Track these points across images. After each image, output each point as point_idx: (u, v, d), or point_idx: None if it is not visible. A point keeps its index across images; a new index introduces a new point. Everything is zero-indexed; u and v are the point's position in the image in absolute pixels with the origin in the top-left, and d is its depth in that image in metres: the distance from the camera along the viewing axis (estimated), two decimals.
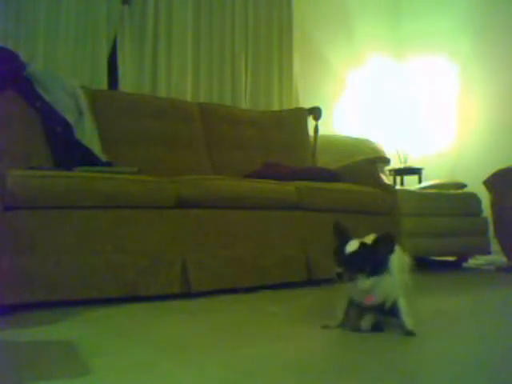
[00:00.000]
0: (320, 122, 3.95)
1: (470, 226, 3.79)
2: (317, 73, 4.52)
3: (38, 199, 2.10)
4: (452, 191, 3.90)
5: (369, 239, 1.61)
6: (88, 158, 2.67)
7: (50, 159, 2.58)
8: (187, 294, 2.34)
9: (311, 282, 2.76)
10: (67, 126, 2.69)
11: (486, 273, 3.71)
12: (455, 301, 2.43)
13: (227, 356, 1.41)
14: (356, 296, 1.66)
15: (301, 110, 4.01)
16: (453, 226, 3.71)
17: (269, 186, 2.77)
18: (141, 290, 2.25)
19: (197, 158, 3.36)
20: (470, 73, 4.59)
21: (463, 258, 3.98)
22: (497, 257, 3.82)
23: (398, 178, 4.72)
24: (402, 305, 1.64)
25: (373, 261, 1.58)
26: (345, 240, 1.61)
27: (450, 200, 3.77)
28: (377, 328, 1.66)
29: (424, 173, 4.59)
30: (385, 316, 1.68)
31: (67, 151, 2.64)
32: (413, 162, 4.69)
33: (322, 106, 3.99)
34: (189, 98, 3.72)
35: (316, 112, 3.94)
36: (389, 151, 4.15)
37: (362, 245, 1.59)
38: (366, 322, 1.66)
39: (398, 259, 1.66)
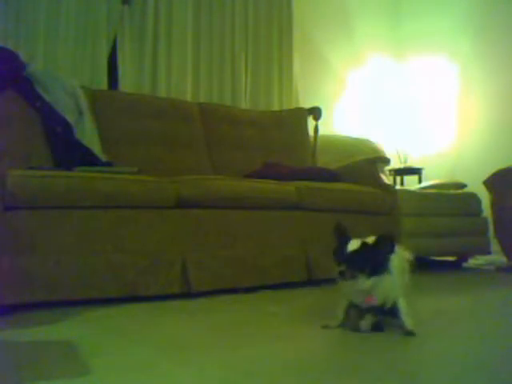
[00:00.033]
0: (320, 122, 3.95)
1: (470, 226, 3.79)
2: (317, 73, 4.52)
3: (38, 199, 2.10)
4: (452, 191, 3.90)
5: (370, 240, 1.62)
6: (88, 158, 2.67)
7: (50, 159, 2.58)
8: (187, 294, 2.34)
9: (311, 282, 2.76)
10: (67, 126, 2.69)
11: (486, 273, 3.71)
12: (455, 301, 2.43)
13: (227, 356, 1.41)
14: (355, 298, 1.66)
15: (301, 110, 4.01)
16: (453, 225, 3.71)
17: (269, 186, 2.77)
18: (141, 290, 2.25)
19: (197, 158, 3.36)
20: (470, 73, 4.59)
21: (463, 257, 3.98)
22: (497, 257, 3.82)
23: (398, 178, 4.72)
24: (402, 305, 1.64)
25: (374, 260, 1.58)
26: (345, 239, 1.61)
27: (449, 200, 3.77)
28: (377, 328, 1.66)
29: (424, 173, 4.59)
30: (385, 316, 1.68)
31: (67, 151, 2.64)
32: (413, 162, 4.69)
33: (322, 106, 3.99)
34: (189, 98, 3.72)
35: (316, 112, 3.95)
36: (389, 151, 4.15)
37: (364, 244, 1.59)
38: (366, 322, 1.65)
39: (398, 259, 1.66)
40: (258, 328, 1.79)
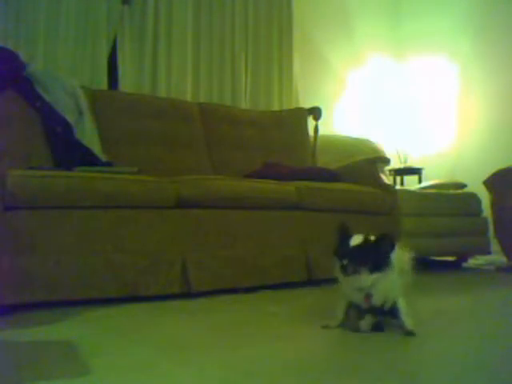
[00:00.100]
0: (320, 122, 3.95)
1: (470, 226, 3.79)
2: (317, 73, 4.52)
3: (38, 199, 2.10)
4: (452, 191, 3.90)
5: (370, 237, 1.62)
6: (88, 158, 2.67)
7: (50, 159, 2.58)
8: (187, 294, 2.34)
9: (311, 282, 2.76)
10: (67, 126, 2.69)
11: (486, 273, 3.71)
12: (455, 301, 2.43)
13: (227, 356, 1.41)
14: (355, 297, 1.65)
15: (301, 110, 4.01)
16: (453, 226, 3.71)
17: (269, 186, 2.77)
18: (141, 290, 2.25)
19: (197, 158, 3.36)
20: (470, 73, 4.59)
21: (463, 258, 3.98)
22: (497, 257, 3.82)
23: (398, 178, 4.72)
24: (402, 305, 1.64)
25: (376, 256, 1.58)
26: (347, 236, 1.61)
27: (449, 200, 3.77)
28: (377, 328, 1.66)
29: (424, 173, 4.59)
30: (385, 316, 1.68)
31: (67, 151, 2.64)
32: (413, 162, 4.69)
33: (322, 106, 3.99)
34: (189, 98, 3.72)
35: (316, 112, 3.95)
36: (389, 151, 4.15)
37: (366, 240, 1.59)
38: (366, 322, 1.65)
39: (398, 260, 1.66)
40: (258, 328, 1.79)
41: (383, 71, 4.97)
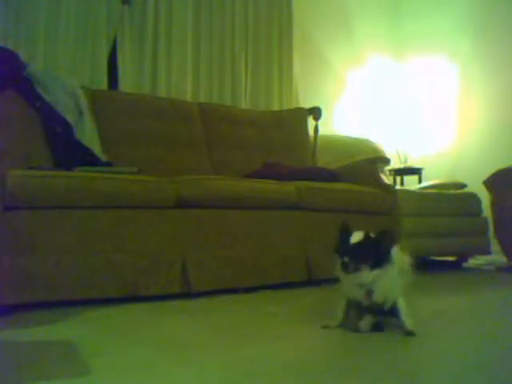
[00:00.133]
0: (320, 122, 3.95)
1: (470, 226, 3.79)
2: (317, 73, 4.52)
3: (38, 199, 2.10)
4: (452, 191, 3.90)
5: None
6: (88, 158, 2.67)
7: (50, 159, 2.58)
8: (187, 294, 2.34)
9: (311, 281, 2.76)
10: (67, 126, 2.69)
11: (486, 273, 3.71)
12: (455, 301, 2.43)
13: (227, 356, 1.41)
14: (356, 293, 1.65)
15: (301, 110, 4.01)
16: (453, 225, 3.71)
17: (269, 186, 2.77)
18: (141, 290, 2.25)
19: (197, 158, 3.36)
20: (470, 73, 4.59)
21: (463, 258, 3.98)
22: (497, 257, 3.82)
23: (398, 178, 4.72)
24: (402, 305, 1.64)
25: (376, 252, 1.58)
26: (348, 234, 1.61)
27: (450, 200, 3.77)
28: (377, 328, 1.66)
29: (424, 173, 4.59)
30: (384, 316, 1.68)
31: (67, 151, 2.64)
32: (413, 162, 4.69)
33: (322, 106, 3.99)
34: (189, 98, 3.72)
35: (316, 112, 3.95)
36: (389, 151, 4.15)
37: (366, 236, 1.59)
38: (366, 322, 1.65)
39: (398, 260, 1.66)
40: (258, 328, 1.79)
41: (383, 71, 4.97)
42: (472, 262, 4.09)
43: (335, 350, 1.57)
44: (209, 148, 3.47)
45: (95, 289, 2.16)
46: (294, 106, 4.15)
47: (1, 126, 2.40)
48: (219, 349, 1.50)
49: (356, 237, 1.59)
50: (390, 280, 1.61)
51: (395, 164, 4.52)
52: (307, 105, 4.06)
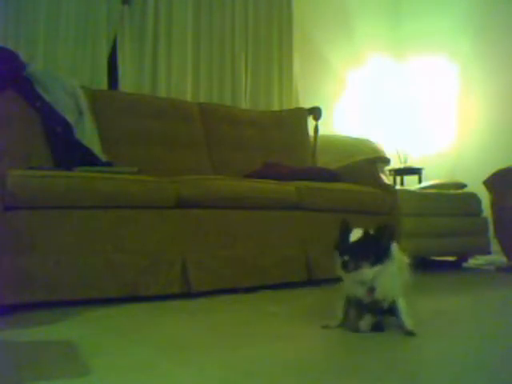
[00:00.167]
0: (320, 122, 3.95)
1: (470, 226, 3.79)
2: (317, 73, 4.52)
3: (38, 199, 2.10)
4: (452, 191, 3.90)
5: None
6: (88, 158, 2.67)
7: (50, 159, 2.58)
8: (187, 294, 2.34)
9: (311, 281, 2.76)
10: (67, 126, 2.69)
11: (486, 273, 3.71)
12: (455, 301, 2.42)
13: (227, 356, 1.41)
14: (357, 291, 1.65)
15: (301, 109, 4.01)
16: (453, 225, 3.71)
17: (269, 186, 2.77)
18: (141, 290, 2.25)
19: (197, 158, 3.36)
20: (470, 73, 4.59)
21: (463, 258, 3.98)
22: (497, 257, 3.81)
23: (398, 178, 4.72)
24: (402, 305, 1.64)
25: (376, 249, 1.58)
26: (347, 231, 1.61)
27: (450, 200, 3.77)
28: (377, 328, 1.66)
29: (424, 173, 4.59)
30: (384, 315, 1.68)
31: (67, 151, 2.64)
32: (413, 162, 4.69)
33: (322, 106, 3.99)
34: (189, 98, 3.72)
35: (316, 112, 3.94)
36: (389, 151, 4.15)
37: (366, 233, 1.59)
38: (365, 322, 1.65)
39: (397, 259, 1.65)
40: (258, 328, 1.79)
41: (383, 71, 4.97)
42: (472, 262, 4.09)
43: (335, 350, 1.57)
44: (209, 148, 3.47)
45: (95, 289, 2.16)
46: (294, 106, 4.15)
47: (1, 126, 2.40)
48: (219, 349, 1.50)
49: (355, 234, 1.59)
50: (391, 276, 1.61)
51: (395, 164, 4.52)
52: (307, 105, 4.06)
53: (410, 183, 4.62)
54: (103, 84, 3.43)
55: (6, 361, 1.40)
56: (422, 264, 3.65)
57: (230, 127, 3.59)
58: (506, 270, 3.57)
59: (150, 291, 2.27)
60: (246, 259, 2.59)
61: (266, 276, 2.62)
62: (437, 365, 1.35)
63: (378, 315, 1.67)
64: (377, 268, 1.58)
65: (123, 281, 2.22)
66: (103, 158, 2.81)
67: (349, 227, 1.63)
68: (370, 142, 3.94)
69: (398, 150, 4.67)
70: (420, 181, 4.52)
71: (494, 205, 3.64)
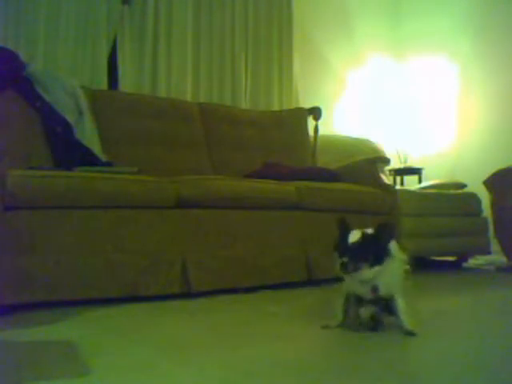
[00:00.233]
0: (320, 122, 3.95)
1: (470, 226, 3.79)
2: (317, 73, 4.52)
3: (38, 199, 2.10)
4: (452, 191, 3.90)
5: (369, 231, 1.61)
6: (88, 158, 2.67)
7: (50, 159, 2.58)
8: (187, 294, 2.34)
9: (311, 281, 2.76)
10: (67, 126, 2.69)
11: (486, 273, 3.71)
12: (455, 301, 2.43)
13: (227, 356, 1.41)
14: (358, 289, 1.65)
15: (301, 109, 4.01)
16: (453, 225, 3.71)
17: (269, 186, 2.77)
18: (141, 290, 2.25)
19: (197, 158, 3.36)
20: (470, 73, 4.59)
21: (463, 258, 3.98)
22: (497, 257, 3.82)
23: (398, 178, 4.72)
24: (401, 305, 1.64)
25: (375, 250, 1.58)
26: (346, 232, 1.61)
27: (450, 200, 3.77)
28: (374, 324, 1.66)
29: (424, 173, 4.59)
30: (383, 313, 1.68)
31: (67, 151, 2.64)
32: (413, 162, 4.69)
33: (322, 106, 3.99)
34: (189, 98, 3.72)
35: (316, 112, 3.94)
36: (389, 151, 4.15)
37: (365, 234, 1.59)
38: (366, 310, 1.65)
39: (397, 255, 1.65)
40: (258, 328, 1.79)
41: (383, 71, 4.97)
42: (472, 262, 4.09)
43: (335, 350, 1.57)
44: (209, 148, 3.47)
45: (95, 289, 2.16)
46: (294, 106, 4.15)
47: (1, 126, 2.39)
48: (219, 349, 1.50)
49: (354, 236, 1.59)
50: (391, 274, 1.61)
51: (395, 164, 4.52)
52: (307, 105, 4.06)
53: (410, 183, 4.62)
54: (103, 84, 3.43)
55: (6, 361, 1.40)
56: (422, 264, 3.66)
57: (230, 127, 3.59)
58: (506, 269, 3.57)
59: (150, 291, 2.27)
60: (246, 259, 2.59)
61: (266, 276, 2.62)
62: (437, 365, 1.35)
63: (378, 310, 1.67)
64: (376, 268, 1.57)
65: (123, 281, 2.22)
66: (103, 157, 2.81)
67: (347, 226, 1.63)
68: (370, 142, 3.94)
69: (398, 149, 4.67)
70: (420, 181, 4.52)
71: (494, 205, 3.64)
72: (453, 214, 3.74)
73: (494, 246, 3.72)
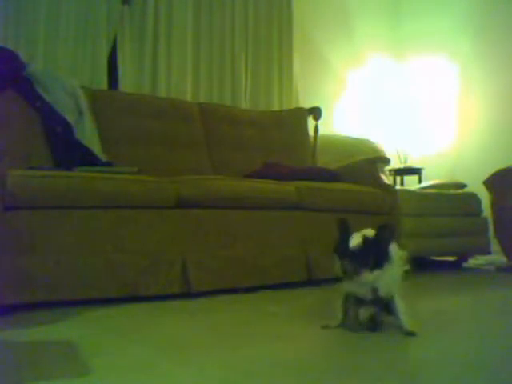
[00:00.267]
0: (320, 122, 3.95)
1: (470, 226, 3.79)
2: (317, 73, 4.52)
3: (38, 199, 2.10)
4: (452, 191, 3.90)
5: (368, 233, 1.61)
6: (88, 158, 2.67)
7: (50, 159, 2.58)
8: (187, 294, 2.34)
9: (311, 281, 2.76)
10: (67, 126, 2.69)
11: (486, 273, 3.71)
12: (455, 301, 2.43)
13: (227, 356, 1.41)
14: (358, 290, 1.65)
15: (301, 110, 4.01)
16: (453, 225, 3.71)
17: (269, 186, 2.77)
18: (141, 290, 2.25)
19: (197, 158, 3.36)
20: (470, 73, 4.59)
21: (463, 258, 3.98)
22: (497, 257, 3.82)
23: (398, 178, 4.72)
24: (401, 305, 1.64)
25: (376, 254, 1.58)
26: (347, 234, 1.61)
27: (450, 200, 3.77)
28: (373, 324, 1.66)
29: (424, 173, 4.59)
30: (382, 312, 1.68)
31: (67, 151, 2.64)
32: (413, 162, 4.69)
33: (322, 106, 3.99)
34: (189, 98, 3.72)
35: (316, 112, 3.94)
36: (389, 151, 4.15)
37: (365, 238, 1.59)
38: (365, 311, 1.65)
39: (397, 255, 1.65)
40: (258, 328, 1.79)
41: (383, 71, 4.97)
42: (472, 262, 4.09)
43: (335, 350, 1.57)
44: (209, 148, 3.47)
45: (95, 289, 2.16)
46: (294, 106, 4.15)
47: (1, 126, 2.40)
48: (219, 349, 1.50)
49: (355, 240, 1.58)
50: (390, 275, 1.61)
51: (395, 164, 4.52)
52: (307, 105, 4.06)
53: (410, 183, 4.62)
54: (103, 84, 3.43)
55: (6, 361, 1.40)
56: (422, 264, 3.66)
57: (230, 127, 3.59)
58: (506, 269, 3.57)
59: (150, 291, 2.27)
60: (246, 259, 2.59)
61: (266, 276, 2.62)
62: (437, 365, 1.35)
63: (378, 309, 1.67)
64: (377, 272, 1.57)
65: (123, 281, 2.22)
66: (103, 157, 2.81)
67: (348, 227, 1.63)
68: (370, 142, 3.94)
69: (398, 150, 4.68)
70: (420, 181, 4.52)
71: (494, 205, 3.64)
72: (453, 214, 3.74)
73: (494, 246, 3.72)
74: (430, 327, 1.77)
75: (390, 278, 1.61)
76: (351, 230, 1.63)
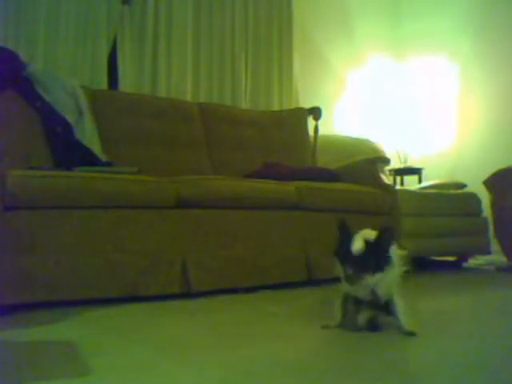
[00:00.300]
0: (320, 122, 3.95)
1: (470, 226, 3.79)
2: (317, 73, 4.53)
3: (38, 199, 2.10)
4: (452, 191, 3.90)
5: (367, 233, 1.61)
6: (88, 158, 2.67)
7: (50, 159, 2.58)
8: (187, 294, 2.34)
9: (311, 281, 2.76)
10: (67, 126, 2.69)
11: (486, 273, 3.71)
12: (455, 301, 2.42)
13: (227, 356, 1.41)
14: (357, 292, 1.65)
15: (301, 110, 4.01)
16: (453, 225, 3.71)
17: (269, 186, 2.77)
18: (141, 290, 2.25)
19: (197, 158, 3.36)
20: (470, 73, 4.59)
21: (463, 258, 3.98)
22: (497, 257, 3.82)
23: (398, 178, 4.72)
24: (400, 305, 1.64)
25: (377, 257, 1.58)
26: (348, 236, 1.60)
27: (450, 200, 3.77)
28: (374, 325, 1.66)
29: (424, 173, 4.59)
30: (381, 312, 1.68)
31: (67, 151, 2.64)
32: (413, 162, 4.69)
33: (322, 106, 3.99)
34: (189, 98, 3.72)
35: (316, 112, 3.95)
36: (389, 151, 4.15)
37: (367, 243, 1.58)
38: (363, 316, 1.65)
39: (397, 256, 1.65)
40: (258, 328, 1.79)
41: (383, 71, 4.97)
42: (472, 262, 4.09)
43: (335, 350, 1.57)
44: (209, 148, 3.47)
45: (95, 289, 2.16)
46: (294, 106, 4.15)
47: (1, 126, 2.40)
48: (219, 349, 1.50)
49: (356, 244, 1.57)
50: (390, 277, 1.61)
51: (395, 164, 4.52)
52: (307, 105, 4.06)
53: (410, 183, 4.62)
54: (103, 84, 3.43)
55: (6, 361, 1.40)
56: (422, 264, 3.66)
57: (230, 127, 3.59)
58: (506, 269, 3.57)
59: (150, 291, 2.27)
60: (246, 259, 2.59)
61: (266, 276, 2.62)
62: (437, 365, 1.35)
63: (376, 311, 1.67)
64: (378, 275, 1.57)
65: (123, 281, 2.22)
66: (103, 157, 2.81)
67: (348, 228, 1.63)
68: (370, 142, 3.94)
69: (398, 150, 4.68)
70: (420, 181, 4.52)
71: (494, 205, 3.64)
72: (453, 214, 3.74)
73: (494, 246, 3.72)
74: (430, 327, 1.77)
75: (389, 278, 1.61)
76: (351, 231, 1.62)
